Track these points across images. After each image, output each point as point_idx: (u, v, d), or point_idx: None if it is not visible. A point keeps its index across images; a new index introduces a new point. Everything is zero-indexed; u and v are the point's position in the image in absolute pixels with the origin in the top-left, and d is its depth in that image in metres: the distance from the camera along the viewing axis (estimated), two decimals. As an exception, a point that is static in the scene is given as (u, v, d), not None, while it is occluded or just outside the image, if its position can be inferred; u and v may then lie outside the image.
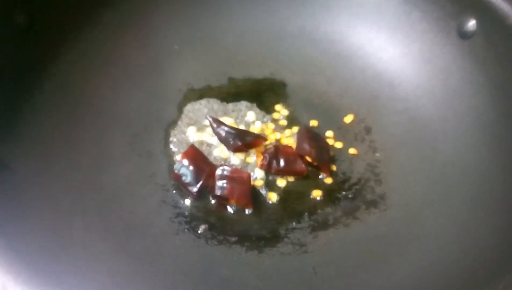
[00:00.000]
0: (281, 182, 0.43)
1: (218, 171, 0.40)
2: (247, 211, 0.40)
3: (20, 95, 0.41)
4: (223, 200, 0.40)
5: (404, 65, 0.49)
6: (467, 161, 0.42)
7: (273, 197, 0.41)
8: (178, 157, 0.43)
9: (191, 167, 0.40)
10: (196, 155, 0.41)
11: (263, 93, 0.49)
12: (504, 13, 0.41)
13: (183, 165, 0.40)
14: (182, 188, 0.41)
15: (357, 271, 0.37)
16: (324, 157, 0.43)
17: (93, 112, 0.44)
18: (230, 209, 0.40)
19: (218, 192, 0.39)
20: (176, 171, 0.41)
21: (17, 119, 0.40)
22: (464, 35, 0.44)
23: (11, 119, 0.39)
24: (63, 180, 0.39)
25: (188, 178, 0.40)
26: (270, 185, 0.42)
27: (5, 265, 0.27)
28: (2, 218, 0.31)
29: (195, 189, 0.40)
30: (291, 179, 0.43)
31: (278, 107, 0.48)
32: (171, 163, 0.43)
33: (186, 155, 0.41)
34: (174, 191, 0.41)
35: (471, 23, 0.44)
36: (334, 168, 0.44)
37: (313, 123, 0.47)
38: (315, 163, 0.42)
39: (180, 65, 0.50)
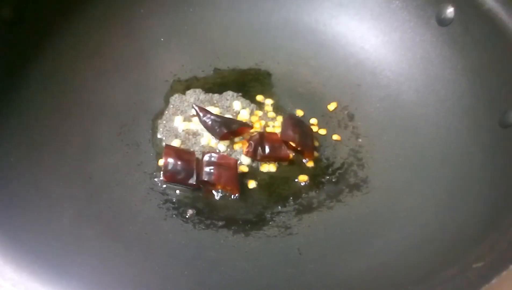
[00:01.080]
0: (267, 168, 0.44)
1: (206, 158, 0.40)
2: (233, 196, 0.41)
3: (8, 87, 0.41)
4: (210, 186, 0.41)
5: (386, 53, 0.50)
6: (447, 144, 0.43)
7: (251, 185, 0.42)
8: (161, 161, 0.42)
9: (179, 162, 0.41)
10: (176, 150, 0.42)
11: (248, 83, 0.50)
12: (480, -1, 0.42)
13: (170, 165, 0.40)
14: (179, 185, 0.41)
15: (341, 251, 0.38)
16: (308, 142, 0.44)
17: (81, 103, 0.45)
18: (216, 195, 0.41)
19: (205, 178, 0.40)
20: (167, 174, 0.41)
21: (5, 110, 0.40)
22: (442, 22, 0.46)
23: None
24: (52, 169, 0.40)
25: (181, 173, 0.41)
26: (255, 171, 0.43)
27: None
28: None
29: (194, 181, 0.41)
30: (276, 165, 0.44)
31: (259, 97, 0.49)
32: (159, 151, 0.44)
33: (167, 155, 0.41)
34: (162, 179, 0.42)
35: (449, 10, 0.45)
36: (317, 154, 0.45)
37: (299, 112, 0.48)
38: (299, 148, 0.43)
39: (166, 56, 0.51)
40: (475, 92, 0.43)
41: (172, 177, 0.40)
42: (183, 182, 0.41)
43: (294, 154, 0.44)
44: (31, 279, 0.26)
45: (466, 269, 0.27)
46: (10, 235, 0.29)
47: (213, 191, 0.41)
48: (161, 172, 0.41)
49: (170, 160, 0.40)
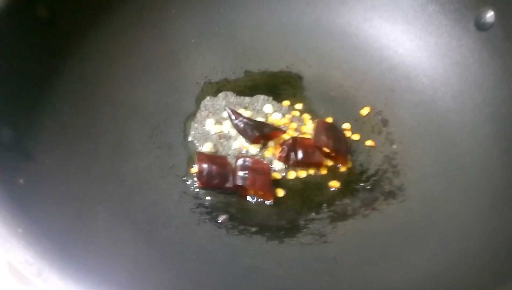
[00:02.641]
0: (300, 174, 0.43)
1: (240, 162, 0.40)
2: (266, 202, 0.41)
3: (42, 88, 0.41)
4: (242, 191, 0.41)
5: (421, 58, 0.49)
6: (486, 153, 0.42)
7: (280, 193, 0.42)
8: (193, 169, 0.42)
9: (213, 167, 0.40)
10: (208, 156, 0.42)
11: (279, 86, 0.50)
12: (524, 4, 0.41)
13: (205, 170, 0.40)
14: (215, 189, 0.41)
15: (378, 261, 0.37)
16: (342, 147, 0.43)
17: (113, 104, 0.45)
18: (249, 200, 0.41)
19: (239, 182, 0.39)
20: (203, 179, 0.40)
21: (39, 111, 0.40)
22: (482, 27, 0.44)
23: (35, 112, 0.40)
24: (85, 171, 0.40)
25: (217, 178, 0.40)
26: (286, 177, 0.43)
27: (41, 252, 0.27)
28: (32, 207, 0.31)
29: (230, 184, 0.40)
30: (309, 170, 0.43)
31: (286, 102, 0.48)
32: (191, 155, 0.43)
33: (200, 161, 0.41)
34: (197, 185, 0.41)
35: (489, 15, 0.44)
36: (350, 160, 0.44)
37: (331, 117, 0.47)
38: (332, 154, 0.43)
39: (197, 58, 0.50)
40: (516, 100, 0.42)
41: (208, 182, 0.40)
42: (219, 186, 0.40)
43: (328, 160, 0.43)
44: (77, 286, 0.26)
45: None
46: (53, 240, 0.29)
47: (246, 196, 0.41)
48: (196, 179, 0.41)
49: (205, 166, 0.40)
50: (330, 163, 0.44)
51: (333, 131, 0.44)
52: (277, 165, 0.43)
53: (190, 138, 0.45)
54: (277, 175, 0.43)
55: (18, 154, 0.35)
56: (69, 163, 0.39)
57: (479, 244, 0.35)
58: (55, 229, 0.31)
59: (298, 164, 0.43)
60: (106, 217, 0.37)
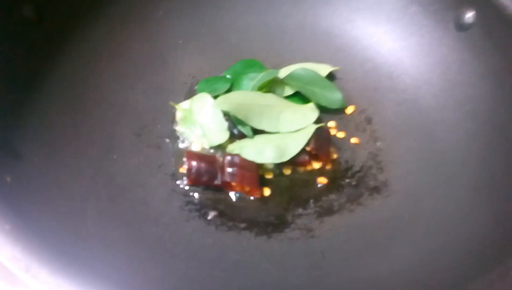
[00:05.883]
0: (286, 171, 0.44)
1: (228, 158, 0.41)
2: (254, 198, 0.41)
3: (30, 87, 0.41)
4: (229, 187, 0.41)
5: (403, 58, 0.50)
6: (467, 148, 0.43)
7: (266, 192, 0.42)
8: (182, 168, 0.43)
9: (202, 165, 0.41)
10: (197, 154, 0.42)
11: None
12: (502, 4, 0.42)
13: (194, 168, 0.41)
14: (204, 187, 0.41)
15: (364, 254, 0.38)
16: (324, 146, 0.44)
17: (101, 103, 0.45)
18: (237, 196, 0.41)
19: (228, 179, 0.40)
20: (192, 177, 0.41)
21: (27, 110, 0.40)
22: (461, 27, 0.46)
23: (22, 110, 0.40)
24: (73, 169, 0.40)
25: (206, 175, 0.41)
26: (274, 174, 0.44)
27: (29, 248, 0.27)
28: (19, 204, 0.32)
29: (219, 181, 0.41)
30: (296, 168, 0.44)
31: None
32: (179, 154, 0.44)
33: (190, 158, 0.41)
34: (185, 183, 0.42)
35: (469, 15, 0.45)
36: (335, 156, 0.45)
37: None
38: (314, 152, 0.43)
39: (185, 59, 0.51)
40: (496, 96, 0.43)
41: (196, 180, 0.41)
42: (207, 184, 0.41)
43: (311, 159, 0.44)
44: (66, 282, 0.26)
45: (505, 274, 0.27)
46: (42, 237, 0.29)
47: (234, 193, 0.41)
48: (184, 177, 0.42)
49: (194, 163, 0.40)
50: (315, 160, 0.44)
51: (316, 130, 0.45)
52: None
53: (178, 137, 0.45)
54: (265, 173, 0.43)
55: (5, 152, 0.35)
56: (57, 162, 0.39)
57: (460, 236, 0.36)
58: (44, 226, 0.31)
59: (284, 163, 0.43)
60: (95, 215, 0.37)
